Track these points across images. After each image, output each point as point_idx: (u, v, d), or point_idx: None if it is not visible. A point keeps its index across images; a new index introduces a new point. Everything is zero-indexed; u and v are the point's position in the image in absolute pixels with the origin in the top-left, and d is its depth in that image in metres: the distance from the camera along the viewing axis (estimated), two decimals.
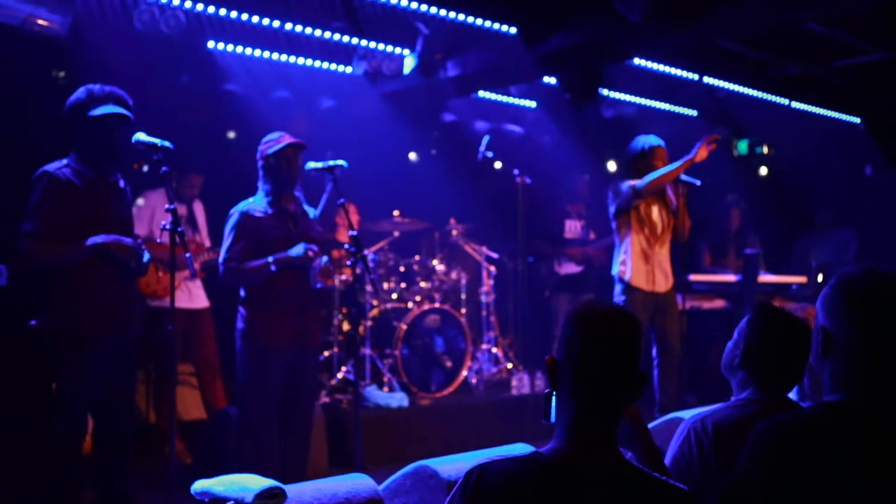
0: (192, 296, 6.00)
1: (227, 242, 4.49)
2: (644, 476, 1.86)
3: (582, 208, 8.22)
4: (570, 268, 8.06)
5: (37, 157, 4.10)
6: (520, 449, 3.41)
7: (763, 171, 9.80)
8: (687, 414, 3.45)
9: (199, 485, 3.18)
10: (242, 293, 4.55)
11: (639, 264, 5.77)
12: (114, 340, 3.99)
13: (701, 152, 5.62)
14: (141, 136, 4.02)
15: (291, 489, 3.23)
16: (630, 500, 1.79)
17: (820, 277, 7.50)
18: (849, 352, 1.92)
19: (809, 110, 8.72)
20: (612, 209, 5.91)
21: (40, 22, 5.39)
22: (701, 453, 2.48)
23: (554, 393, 1.94)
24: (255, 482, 3.14)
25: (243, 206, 4.54)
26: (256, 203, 4.55)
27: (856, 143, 9.22)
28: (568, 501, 1.77)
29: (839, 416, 1.87)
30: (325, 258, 4.55)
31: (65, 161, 3.98)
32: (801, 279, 7.54)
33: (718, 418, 2.52)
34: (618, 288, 5.84)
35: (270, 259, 4.38)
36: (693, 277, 7.12)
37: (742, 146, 9.53)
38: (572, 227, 8.15)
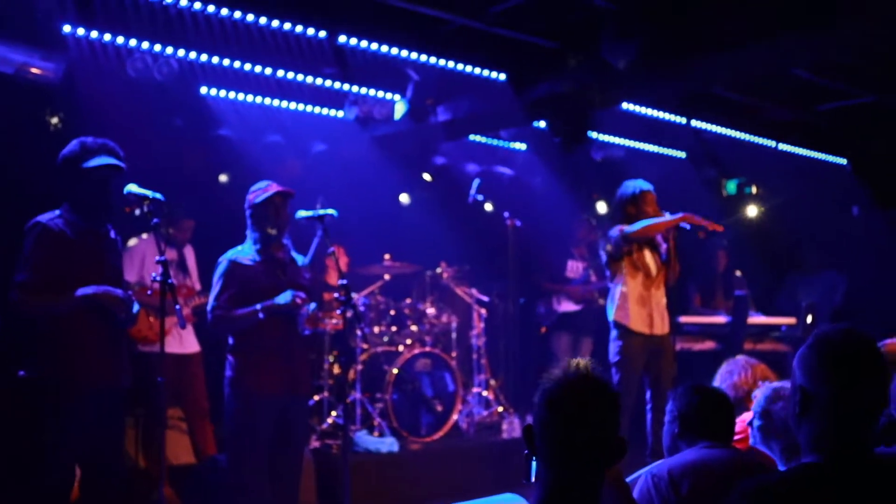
0: (183, 341, 6.01)
1: (215, 290, 4.52)
2: None
3: (584, 250, 8.28)
4: (568, 306, 8.10)
5: (31, 205, 4.13)
6: (507, 500, 3.42)
7: (751, 211, 9.88)
8: None
9: None
10: (231, 341, 4.56)
11: (636, 308, 5.77)
12: (102, 390, 3.99)
13: (698, 223, 5.67)
14: (132, 187, 4.07)
15: None
16: None
17: (809, 318, 7.55)
18: (825, 410, 1.95)
19: (796, 152, 8.82)
20: (604, 256, 5.95)
21: (34, 70, 5.45)
22: (658, 491, 2.63)
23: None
24: None
25: (231, 254, 4.57)
26: (244, 251, 4.57)
27: (843, 183, 9.30)
28: None
29: (815, 480, 1.90)
30: (312, 305, 4.57)
31: (57, 212, 4.02)
32: (790, 320, 7.59)
33: (673, 464, 2.72)
34: (614, 332, 5.82)
35: (258, 307, 4.40)
36: (683, 319, 7.17)
37: (731, 186, 9.63)
38: (574, 268, 8.22)
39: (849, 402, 1.94)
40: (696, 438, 2.82)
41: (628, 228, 5.71)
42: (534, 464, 1.96)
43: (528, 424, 1.93)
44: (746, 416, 3.60)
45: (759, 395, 3.04)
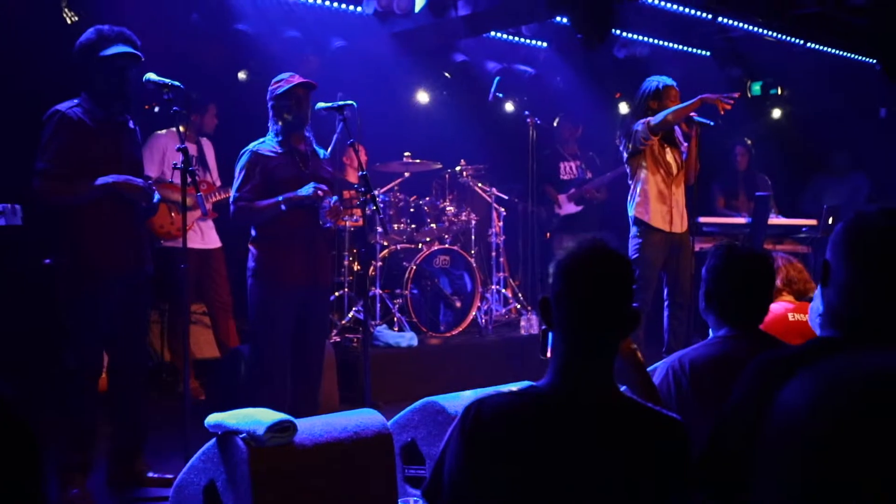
0: (205, 236, 6.07)
1: (237, 181, 4.53)
2: (636, 406, 1.92)
3: (574, 148, 8.22)
4: (570, 208, 8.10)
5: (47, 97, 4.13)
6: (524, 385, 3.48)
7: (776, 113, 9.73)
8: None
9: (213, 418, 3.28)
10: (253, 232, 4.60)
11: (657, 205, 5.76)
12: (125, 277, 4.07)
13: (715, 100, 5.56)
14: (151, 75, 4.06)
15: (302, 423, 3.33)
16: (622, 428, 1.85)
17: (830, 220, 7.51)
18: (843, 285, 1.93)
19: (825, 51, 8.62)
20: (625, 151, 5.90)
21: None
22: (678, 391, 2.58)
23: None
24: (267, 416, 3.24)
25: (254, 145, 4.57)
26: (267, 143, 4.57)
27: (871, 84, 9.12)
28: (562, 431, 1.83)
29: (827, 352, 1.90)
30: (334, 198, 4.58)
31: (76, 101, 4.02)
32: (811, 222, 7.55)
33: (694, 357, 2.62)
34: (634, 229, 5.82)
35: (280, 198, 4.42)
36: (703, 220, 7.14)
37: (756, 87, 9.47)
38: (567, 169, 8.17)
39: (864, 277, 1.90)
40: (719, 317, 2.68)
41: (653, 119, 5.65)
42: (550, 337, 1.98)
43: (545, 297, 1.95)
44: (776, 308, 3.62)
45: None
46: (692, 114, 5.66)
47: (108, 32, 3.97)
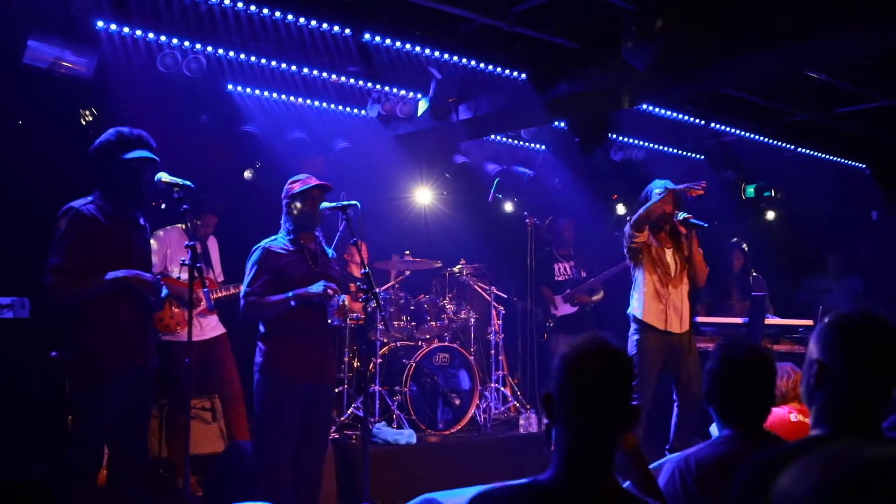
0: (204, 328, 6.05)
1: (248, 277, 4.61)
2: (638, 502, 1.96)
3: (568, 249, 8.34)
4: (565, 309, 8.18)
5: (61, 195, 4.25)
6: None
7: (770, 214, 9.91)
8: None
9: None
10: (262, 328, 4.65)
11: (651, 303, 5.84)
12: (131, 372, 4.11)
13: (683, 190, 5.75)
14: (163, 175, 4.19)
15: None
16: None
17: (826, 321, 7.57)
18: (841, 384, 2.02)
19: (816, 155, 8.84)
20: (625, 252, 6.04)
21: (66, 64, 5.59)
22: (685, 490, 2.59)
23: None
24: None
25: (265, 242, 4.67)
26: (278, 240, 4.68)
27: (862, 187, 9.34)
28: None
29: (818, 446, 1.95)
30: (343, 297, 4.66)
31: (90, 198, 4.14)
32: (808, 322, 7.60)
33: (701, 457, 2.64)
34: (632, 326, 5.90)
35: (290, 294, 4.50)
36: (701, 319, 7.21)
37: (750, 190, 9.67)
38: (562, 270, 8.28)
39: (863, 375, 2.00)
40: (722, 419, 2.71)
41: (633, 218, 5.82)
42: (553, 431, 2.03)
43: (548, 392, 2.01)
44: (779, 411, 3.67)
45: None
46: (687, 216, 5.81)
47: (128, 135, 4.12)
